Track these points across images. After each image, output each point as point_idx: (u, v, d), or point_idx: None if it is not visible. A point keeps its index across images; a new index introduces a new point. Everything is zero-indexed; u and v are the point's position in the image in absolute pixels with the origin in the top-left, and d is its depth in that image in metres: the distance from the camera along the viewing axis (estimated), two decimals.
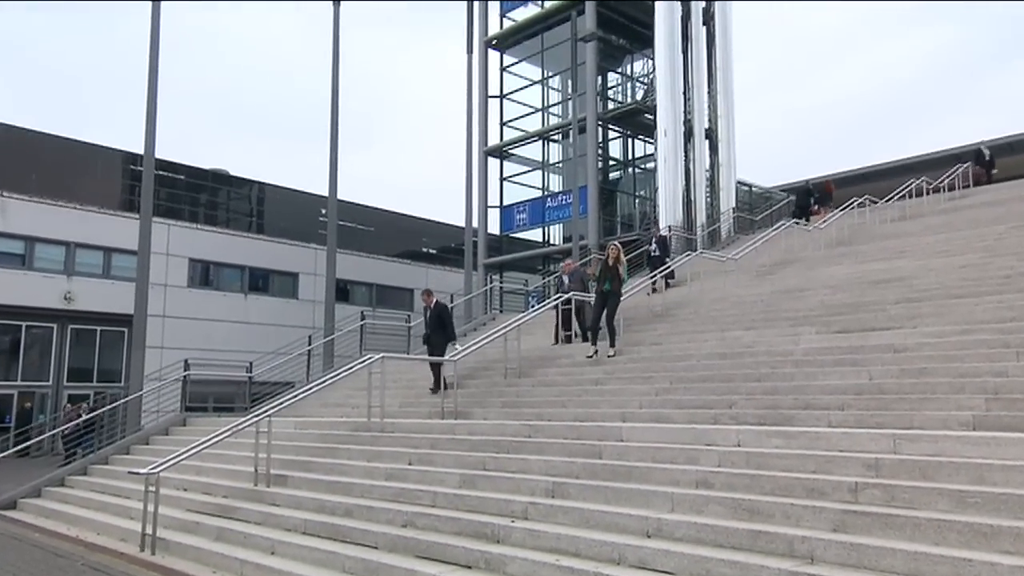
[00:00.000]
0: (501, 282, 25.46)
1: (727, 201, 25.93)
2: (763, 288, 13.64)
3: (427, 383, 12.10)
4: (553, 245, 28.89)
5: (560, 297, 13.29)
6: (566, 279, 13.94)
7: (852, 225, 18.73)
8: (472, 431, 8.88)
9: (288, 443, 10.17)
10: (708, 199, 25.69)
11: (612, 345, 11.10)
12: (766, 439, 6.50)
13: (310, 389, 10.72)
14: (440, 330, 11.73)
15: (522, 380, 11.44)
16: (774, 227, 18.50)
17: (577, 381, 10.58)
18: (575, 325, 13.28)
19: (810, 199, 22.40)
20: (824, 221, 18.70)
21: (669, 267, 15.47)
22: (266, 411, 9.34)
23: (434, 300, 11.86)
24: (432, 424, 9.71)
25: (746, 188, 30.17)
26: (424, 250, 33.37)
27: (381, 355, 10.40)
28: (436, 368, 11.53)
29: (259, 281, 26.85)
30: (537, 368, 11.87)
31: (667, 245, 17.60)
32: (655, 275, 14.63)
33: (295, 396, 10.16)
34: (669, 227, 18.40)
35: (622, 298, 11.61)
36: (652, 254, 17.01)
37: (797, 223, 18.88)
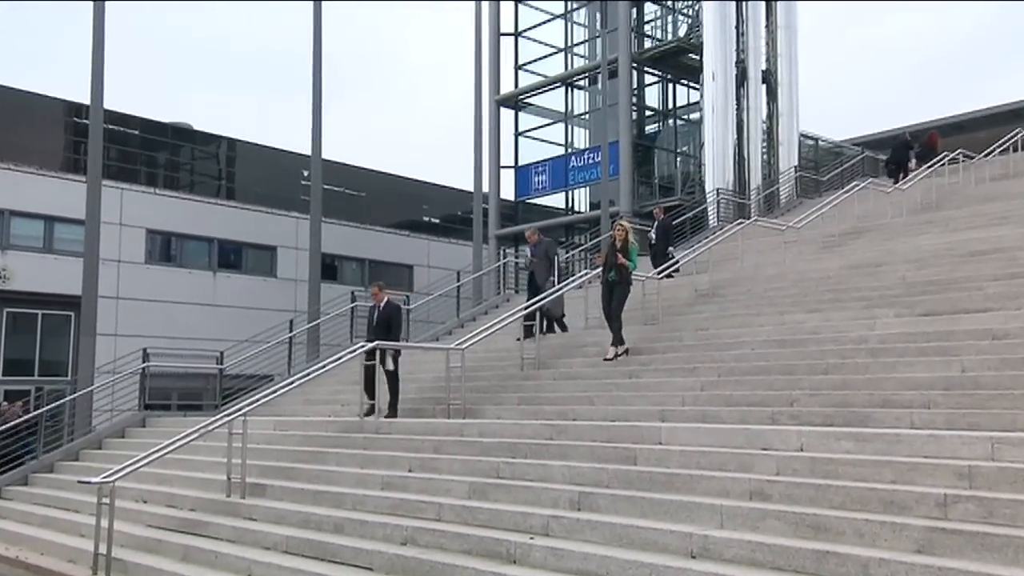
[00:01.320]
0: (517, 256, 25.44)
1: (788, 158, 25.74)
2: (831, 262, 13.56)
3: (433, 373, 12.14)
4: (578, 213, 28.84)
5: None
6: (528, 253, 13.65)
7: (941, 186, 18.53)
8: (483, 432, 8.93)
9: (267, 447, 10.26)
10: (765, 156, 25.50)
11: (618, 343, 10.95)
12: (835, 442, 6.48)
13: (292, 383, 10.80)
14: (386, 334, 11.03)
15: (542, 372, 11.48)
16: (845, 189, 18.34)
17: (607, 373, 10.62)
18: (556, 320, 12.91)
19: (908, 152, 21.81)
20: (907, 181, 18.52)
21: (675, 263, 14.73)
22: (240, 409, 9.43)
23: (386, 298, 11.29)
24: (436, 424, 9.77)
25: (811, 142, 29.91)
26: (425, 219, 33.37)
27: (375, 343, 10.44)
28: (372, 381, 10.47)
29: (230, 256, 26.98)
30: (560, 358, 11.91)
31: (669, 232, 17.28)
32: (659, 272, 13.34)
33: (275, 392, 10.23)
34: (663, 208, 18.07)
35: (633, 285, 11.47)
36: (650, 243, 16.73)
37: (874, 186, 18.63)
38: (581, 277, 13.59)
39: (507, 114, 29.66)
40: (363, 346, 10.45)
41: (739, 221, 16.84)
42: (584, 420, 8.89)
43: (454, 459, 8.32)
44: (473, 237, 23.87)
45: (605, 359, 10.89)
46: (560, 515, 6.53)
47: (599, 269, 11.83)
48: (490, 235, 28.08)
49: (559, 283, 13.70)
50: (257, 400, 9.96)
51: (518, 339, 12.33)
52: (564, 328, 13.32)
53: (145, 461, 8.89)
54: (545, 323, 12.78)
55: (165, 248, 25.95)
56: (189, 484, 10.12)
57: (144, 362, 14.81)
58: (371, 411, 10.74)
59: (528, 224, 28.82)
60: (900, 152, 22.08)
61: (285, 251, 27.40)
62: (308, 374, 11.30)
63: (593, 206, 27.85)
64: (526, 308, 12.26)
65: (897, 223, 16.21)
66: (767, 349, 9.86)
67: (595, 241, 22.87)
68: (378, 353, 10.40)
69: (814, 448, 6.53)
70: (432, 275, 26.87)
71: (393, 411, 10.80)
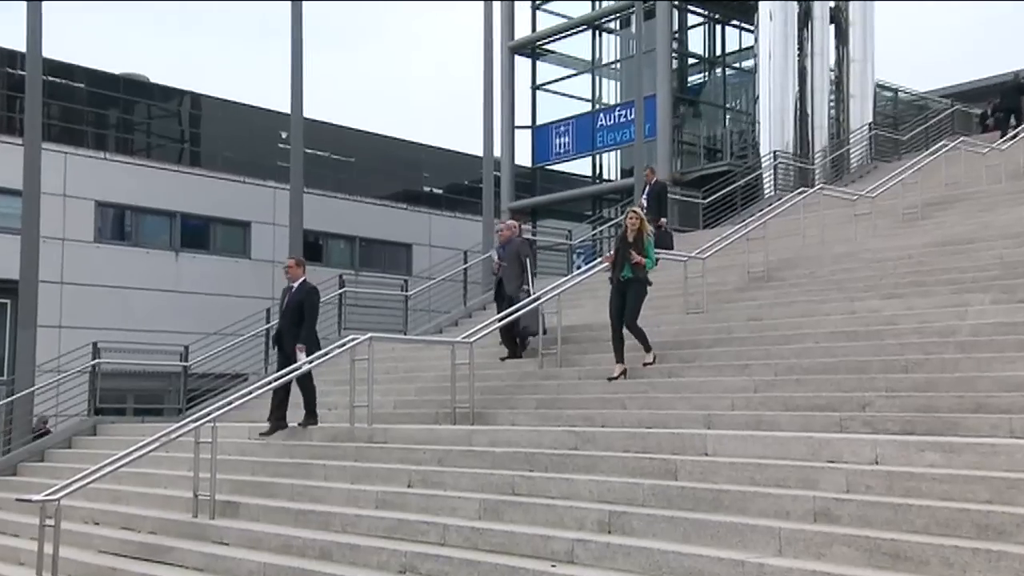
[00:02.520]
0: (534, 233, 25.40)
1: (861, 113, 25.56)
2: (913, 239, 13.49)
3: (436, 371, 12.15)
4: (608, 181, 28.81)
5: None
6: (495, 256, 12.93)
7: None
8: (496, 440, 8.95)
9: (241, 458, 10.32)
10: (832, 111, 25.33)
11: (647, 350, 10.66)
12: (917, 454, 6.45)
13: (270, 383, 10.84)
14: (296, 327, 10.59)
15: (564, 370, 11.50)
16: (931, 150, 18.18)
17: (641, 372, 10.63)
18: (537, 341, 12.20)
19: (1020, 99, 21.47)
20: (1010, 139, 18.34)
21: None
22: (209, 414, 9.47)
23: (302, 277, 10.78)
24: (440, 431, 9.80)
25: (889, 94, 29.69)
26: (427, 190, 33.40)
27: (368, 335, 10.48)
28: (284, 394, 10.45)
29: (196, 233, 27.10)
30: (585, 353, 11.92)
31: (663, 200, 17.08)
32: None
33: (250, 393, 10.27)
34: (653, 169, 17.79)
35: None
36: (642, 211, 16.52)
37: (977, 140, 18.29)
38: (583, 274, 13.39)
39: (523, 64, 29.59)
40: (354, 339, 10.48)
41: (801, 190, 16.77)
42: (615, 427, 8.90)
43: (461, 472, 8.34)
44: (483, 211, 23.83)
45: (643, 363, 10.64)
46: (587, 539, 6.53)
47: (603, 267, 11.64)
48: (503, 208, 28.04)
49: (539, 289, 13.08)
50: (229, 403, 10.00)
51: (502, 359, 12.24)
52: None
53: (96, 475, 8.94)
54: (519, 342, 12.51)
55: (118, 224, 26.12)
56: (149, 502, 10.19)
57: (94, 358, 14.92)
58: (274, 429, 10.62)
59: (519, 204, 28.85)
60: (1010, 98, 21.56)
61: (261, 227, 27.51)
62: (289, 373, 11.31)
63: (625, 173, 27.77)
64: (497, 322, 11.90)
65: (995, 191, 16.06)
66: (834, 342, 9.82)
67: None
68: (297, 353, 10.30)
69: (892, 461, 6.50)
70: (435, 256, 26.88)
71: (312, 417, 10.68)
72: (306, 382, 10.69)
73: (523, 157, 29.93)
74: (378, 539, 7.61)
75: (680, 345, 11.19)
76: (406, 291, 18.65)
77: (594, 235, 24.19)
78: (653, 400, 9.64)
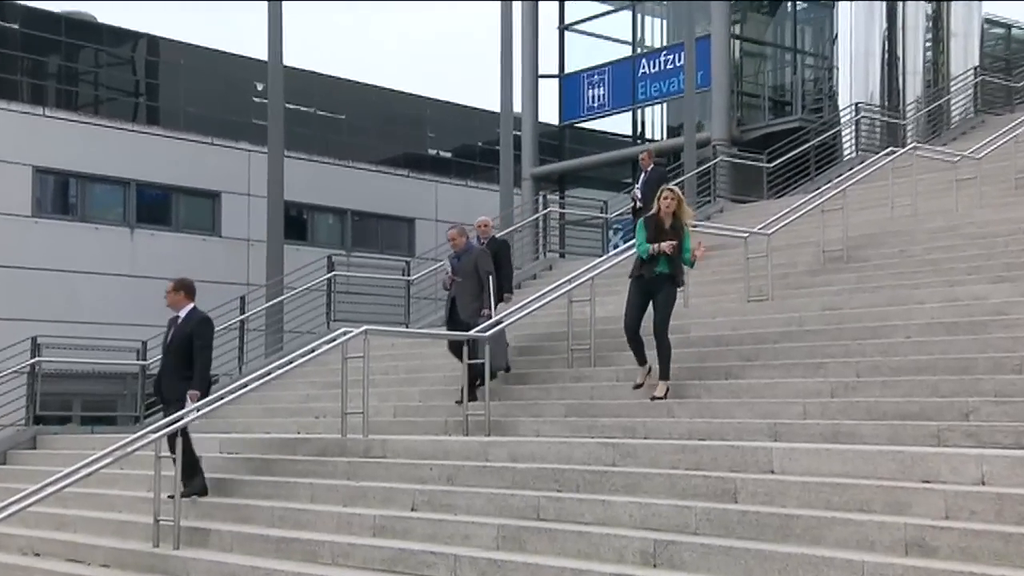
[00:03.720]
0: (562, 205, 25.39)
1: (964, 56, 25.35)
2: None
3: (444, 372, 12.12)
4: (651, 140, 28.64)
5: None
6: (448, 267, 12.20)
7: None
8: (516, 455, 8.97)
9: (210, 475, 10.36)
10: (929, 54, 25.09)
11: (662, 377, 10.12)
12: None
13: (246, 386, 10.88)
14: (182, 367, 9.95)
15: (599, 370, 11.52)
16: None
17: (693, 371, 10.64)
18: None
19: None
20: None
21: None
22: (173, 423, 9.51)
23: (189, 304, 10.12)
24: (450, 444, 9.82)
25: (1001, 31, 29.35)
26: (432, 153, 33.37)
27: (363, 328, 10.49)
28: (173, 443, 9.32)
29: (155, 206, 27.18)
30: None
31: (663, 184, 16.14)
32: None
33: (221, 398, 10.31)
34: (651, 153, 17.27)
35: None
36: (636, 205, 16.26)
37: None
38: (618, 254, 13.07)
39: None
40: (347, 333, 10.47)
41: (889, 150, 16.69)
42: (660, 438, 8.89)
43: (475, 493, 8.36)
44: (500, 178, 23.85)
45: (652, 397, 10.06)
46: (628, 574, 6.54)
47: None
48: (524, 175, 28.00)
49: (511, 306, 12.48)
50: (197, 410, 10.02)
51: (457, 401, 11.28)
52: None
53: (36, 497, 8.99)
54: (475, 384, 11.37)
55: (60, 194, 26.22)
56: (100, 529, 10.23)
57: (33, 357, 15.01)
58: (189, 494, 9.72)
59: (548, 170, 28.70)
60: None
61: (233, 199, 27.56)
62: (269, 373, 11.39)
63: (673, 131, 27.67)
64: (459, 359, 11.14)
65: None
66: (930, 336, 9.76)
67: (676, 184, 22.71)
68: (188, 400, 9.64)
69: (1002, 480, 6.48)
70: (442, 232, 26.85)
71: (193, 484, 9.83)
72: (185, 440, 9.59)
73: (549, 113, 29.85)
74: (375, 573, 7.63)
75: (740, 340, 11.16)
76: (408, 275, 18.66)
77: (631, 206, 24.12)
78: (707, 406, 9.62)
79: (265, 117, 20.20)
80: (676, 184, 13.86)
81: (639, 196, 16.06)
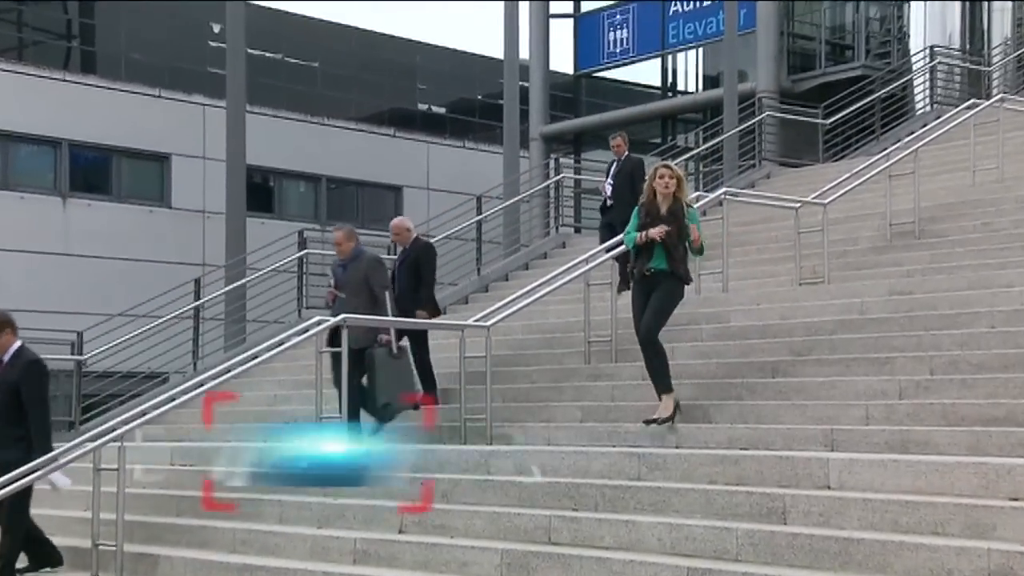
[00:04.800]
0: (578, 171, 25.36)
1: None
2: None
3: (439, 368, 12.13)
4: (684, 93, 28.61)
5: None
6: (332, 281, 11.89)
7: None
8: (524, 466, 8.99)
9: (160, 492, 10.42)
10: None
11: (662, 391, 9.64)
12: None
13: (201, 386, 10.90)
14: (9, 427, 9.15)
15: (621, 366, 11.51)
16: None
17: (733, 369, 10.64)
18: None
19: None
20: None
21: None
22: (114, 428, 9.54)
23: (15, 343, 9.33)
24: (444, 453, 9.88)
25: None
26: (423, 108, 33.36)
27: (340, 316, 10.50)
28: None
29: (91, 171, 27.24)
30: None
31: (636, 182, 14.15)
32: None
33: (172, 400, 10.35)
34: (625, 137, 16.77)
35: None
36: (607, 202, 15.74)
37: None
38: (605, 249, 12.80)
39: None
40: (321, 322, 10.47)
41: (971, 102, 16.64)
42: (695, 447, 8.90)
43: (475, 512, 8.38)
44: (504, 138, 23.83)
45: (646, 421, 9.59)
46: None
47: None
48: (532, 134, 27.99)
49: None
50: (142, 413, 10.07)
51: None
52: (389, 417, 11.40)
53: None
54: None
55: None
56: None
57: None
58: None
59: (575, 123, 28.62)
60: None
61: (185, 162, 27.59)
62: (228, 370, 11.41)
63: (709, 82, 27.63)
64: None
65: None
66: (1019, 326, 9.74)
67: (712, 145, 22.63)
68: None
69: None
70: (435, 203, 26.90)
71: (8, 571, 9.18)
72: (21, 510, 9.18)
73: (562, 61, 29.83)
74: None
75: (790, 331, 11.15)
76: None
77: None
78: (751, 409, 9.61)
79: (223, 65, 20.19)
80: (715, 144, 13.82)
81: (609, 191, 15.62)
